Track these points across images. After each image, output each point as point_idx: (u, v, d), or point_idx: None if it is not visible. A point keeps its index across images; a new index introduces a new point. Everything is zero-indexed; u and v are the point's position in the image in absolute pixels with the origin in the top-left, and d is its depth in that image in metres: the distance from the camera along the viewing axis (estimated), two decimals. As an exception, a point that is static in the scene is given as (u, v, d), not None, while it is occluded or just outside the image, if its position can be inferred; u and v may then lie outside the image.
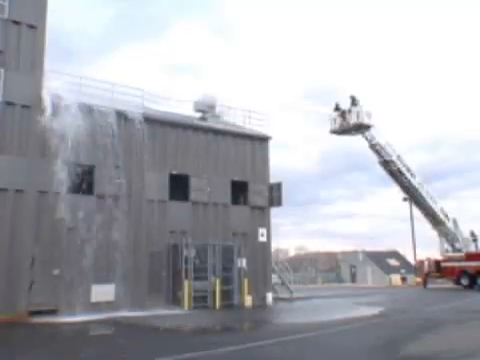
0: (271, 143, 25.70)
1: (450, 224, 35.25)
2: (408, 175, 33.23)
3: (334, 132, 32.69)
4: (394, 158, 32.42)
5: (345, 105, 32.04)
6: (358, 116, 31.05)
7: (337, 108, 32.40)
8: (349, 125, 31.53)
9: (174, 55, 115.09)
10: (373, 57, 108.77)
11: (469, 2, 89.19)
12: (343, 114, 31.80)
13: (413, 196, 34.82)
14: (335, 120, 32.24)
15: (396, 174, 33.14)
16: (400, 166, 32.71)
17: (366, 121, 31.27)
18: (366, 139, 32.25)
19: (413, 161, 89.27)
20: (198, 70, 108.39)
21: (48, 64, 19.56)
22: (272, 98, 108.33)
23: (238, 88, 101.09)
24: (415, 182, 33.62)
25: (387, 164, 32.67)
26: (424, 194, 34.04)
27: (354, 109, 31.34)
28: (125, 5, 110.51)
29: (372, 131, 31.79)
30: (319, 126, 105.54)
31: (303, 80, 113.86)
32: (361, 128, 31.65)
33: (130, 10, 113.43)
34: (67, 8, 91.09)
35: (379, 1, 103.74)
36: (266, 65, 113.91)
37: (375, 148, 32.29)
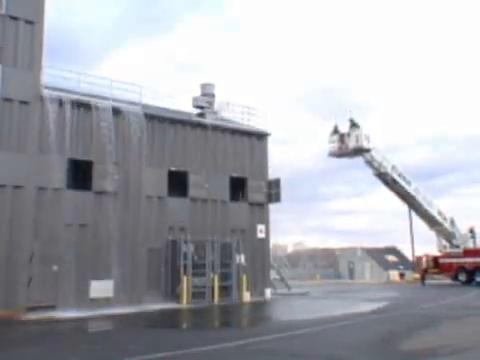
0: (270, 139, 25.84)
1: (447, 224, 35.38)
2: (403, 183, 33.29)
3: (333, 155, 32.66)
4: (389, 170, 32.51)
5: (343, 116, 31.85)
6: (357, 140, 30.98)
7: (336, 131, 32.28)
8: (348, 149, 31.46)
9: (179, 52, 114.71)
10: (374, 54, 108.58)
11: (470, 1, 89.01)
12: (342, 138, 31.72)
13: (410, 202, 34.96)
14: (334, 143, 32.15)
15: (391, 183, 33.26)
16: (395, 176, 32.80)
17: (365, 145, 31.23)
18: (364, 159, 32.34)
19: (414, 158, 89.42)
20: (201, 66, 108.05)
21: (48, 60, 19.55)
22: (273, 96, 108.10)
23: (240, 86, 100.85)
24: (411, 189, 33.71)
25: (382, 175, 32.78)
26: (420, 200, 34.15)
27: (353, 133, 31.23)
28: (131, 1, 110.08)
29: (372, 152, 31.82)
30: (320, 123, 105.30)
31: (303, 78, 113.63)
32: (360, 151, 31.66)
33: (137, 7, 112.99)
34: (74, 4, 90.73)
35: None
36: (268, 64, 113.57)
37: (372, 164, 32.43)
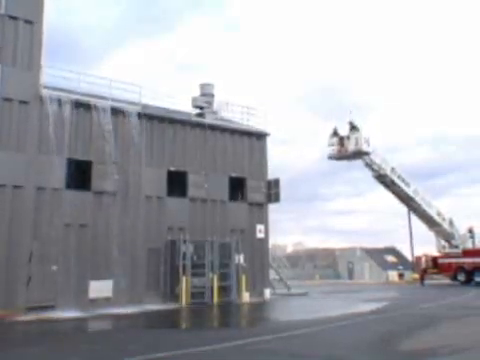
0: (270, 139, 25.88)
1: (446, 225, 35.46)
2: (402, 185, 33.38)
3: (332, 158, 32.77)
4: (388, 172, 32.59)
5: (342, 117, 31.89)
6: (357, 143, 31.10)
7: (335, 133, 32.39)
8: (347, 152, 31.58)
9: (179, 52, 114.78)
10: (374, 54, 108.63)
11: (470, 1, 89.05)
12: (341, 140, 31.84)
13: (409, 204, 35.05)
14: (333, 146, 32.25)
15: (390, 185, 33.35)
16: (394, 178, 32.89)
17: (365, 148, 31.33)
18: (364, 162, 32.44)
19: (414, 158, 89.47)
20: (201, 66, 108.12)
21: (47, 60, 19.54)
22: (273, 96, 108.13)
23: (240, 86, 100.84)
24: (410, 191, 33.80)
25: (381, 177, 32.87)
26: (419, 201, 34.23)
27: (353, 136, 31.34)
28: (131, 1, 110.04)
29: (371, 155, 31.91)
30: (320, 123, 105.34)
31: (303, 78, 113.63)
32: (360, 154, 31.80)
33: (137, 7, 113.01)
34: (74, 4, 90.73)
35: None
36: (268, 64, 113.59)
37: (371, 167, 32.54)
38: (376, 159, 32.21)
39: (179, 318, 17.41)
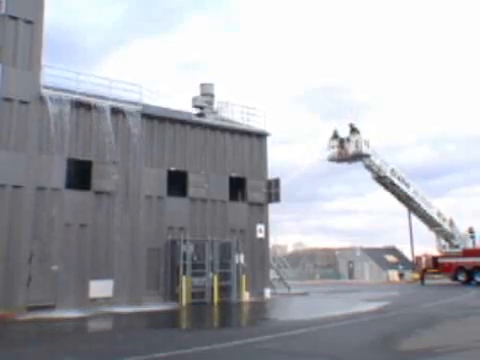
0: (270, 139, 25.90)
1: (446, 225, 35.49)
2: (402, 186, 33.47)
3: (333, 160, 32.89)
4: (388, 173, 32.66)
5: (343, 118, 32.04)
6: (357, 145, 31.22)
7: (335, 135, 32.50)
8: (348, 154, 31.71)
9: (180, 51, 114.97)
10: (374, 54, 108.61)
11: (470, 1, 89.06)
12: (341, 143, 31.97)
13: (409, 204, 35.11)
14: (334, 148, 32.33)
15: (390, 186, 33.41)
16: (394, 179, 32.95)
17: (365, 151, 31.46)
18: (364, 164, 32.53)
19: (414, 158, 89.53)
20: (202, 66, 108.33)
21: (49, 60, 19.57)
22: (273, 96, 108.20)
23: (240, 85, 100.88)
24: (410, 192, 33.89)
25: (381, 179, 32.94)
26: (419, 201, 34.30)
27: (353, 138, 31.47)
28: (133, 1, 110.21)
29: (371, 157, 32.00)
30: (320, 123, 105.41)
31: (303, 78, 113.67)
32: (360, 157, 31.90)
33: (138, 6, 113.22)
34: (75, 4, 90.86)
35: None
36: (268, 64, 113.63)
37: (371, 169, 32.61)
38: (376, 161, 32.28)
39: (179, 318, 17.42)
